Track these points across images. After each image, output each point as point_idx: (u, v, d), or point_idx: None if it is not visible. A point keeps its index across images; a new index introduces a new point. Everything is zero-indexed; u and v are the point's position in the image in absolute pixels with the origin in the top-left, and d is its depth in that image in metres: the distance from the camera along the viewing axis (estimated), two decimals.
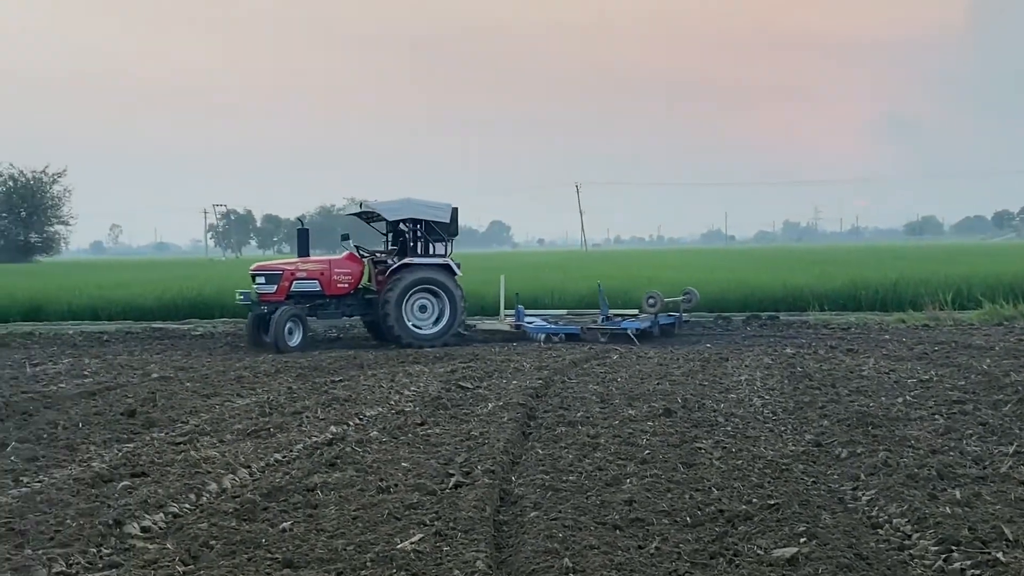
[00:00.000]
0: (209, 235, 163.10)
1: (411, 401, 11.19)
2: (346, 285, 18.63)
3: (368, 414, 10.38)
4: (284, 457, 8.37)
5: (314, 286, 18.36)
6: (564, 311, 21.79)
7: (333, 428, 9.57)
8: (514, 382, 12.48)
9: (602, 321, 19.27)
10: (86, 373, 14.64)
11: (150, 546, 6.00)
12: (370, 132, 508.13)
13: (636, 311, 19.88)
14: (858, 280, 25.37)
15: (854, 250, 70.30)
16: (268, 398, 11.58)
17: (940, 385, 11.68)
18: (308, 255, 19.07)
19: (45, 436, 9.46)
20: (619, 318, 19.41)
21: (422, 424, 9.76)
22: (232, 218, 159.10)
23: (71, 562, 5.68)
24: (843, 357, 14.95)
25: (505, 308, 20.58)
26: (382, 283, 18.59)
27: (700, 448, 8.35)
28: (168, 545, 5.97)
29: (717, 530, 6.04)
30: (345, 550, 5.75)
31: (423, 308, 18.51)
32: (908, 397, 10.83)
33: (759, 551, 5.63)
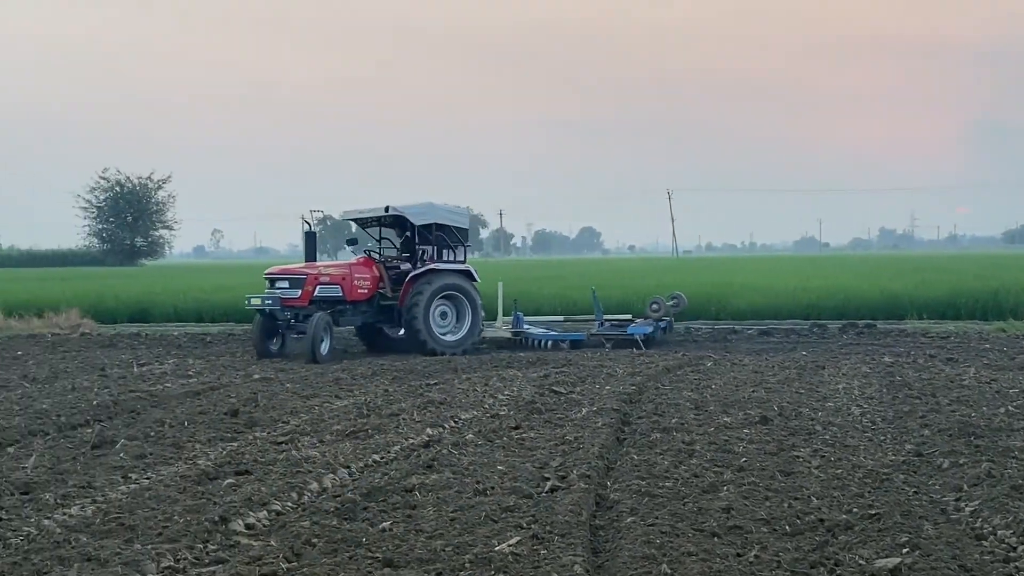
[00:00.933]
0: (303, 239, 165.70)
1: (505, 405, 11.25)
2: (365, 291, 18.18)
3: (463, 417, 10.48)
4: (382, 458, 8.49)
5: (336, 291, 17.80)
6: (561, 317, 21.80)
7: (429, 430, 9.68)
8: (607, 387, 12.47)
9: (598, 327, 19.44)
10: (191, 373, 15.05)
11: (254, 543, 6.14)
12: (461, 136, 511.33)
13: (629, 316, 20.30)
14: (957, 288, 24.77)
15: (952, 258, 68.70)
16: (365, 400, 11.76)
17: None
18: (315, 259, 18.85)
19: (152, 434, 9.75)
20: (608, 323, 19.70)
21: (517, 428, 9.81)
22: (328, 223, 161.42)
23: (179, 557, 5.83)
24: (943, 366, 14.61)
25: (504, 315, 20.40)
26: (399, 289, 18.25)
27: (798, 456, 8.26)
28: (272, 542, 6.10)
29: (817, 539, 5.98)
30: (444, 551, 5.83)
31: (443, 315, 18.27)
32: (1010, 407, 10.55)
33: (861, 561, 5.57)
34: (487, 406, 11.19)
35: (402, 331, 18.54)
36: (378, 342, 19.17)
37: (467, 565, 5.58)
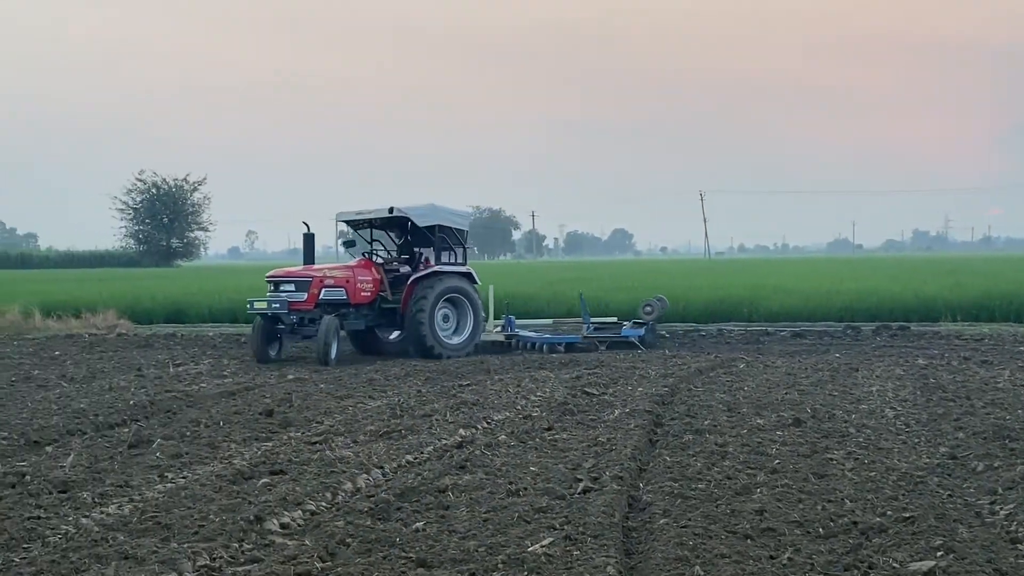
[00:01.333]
0: (339, 241, 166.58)
1: (538, 406, 11.27)
2: (368, 294, 17.95)
3: (496, 418, 10.50)
4: (415, 458, 8.54)
5: (341, 294, 17.59)
6: (550, 320, 21.88)
7: (462, 431, 9.72)
8: (640, 389, 12.47)
9: (587, 330, 19.62)
10: (225, 373, 15.19)
11: (289, 542, 6.17)
12: (494, 139, 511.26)
13: (615, 319, 20.58)
14: (992, 290, 24.53)
15: (986, 259, 68.05)
16: (398, 400, 11.82)
17: None
18: (314, 262, 18.69)
19: (188, 434, 9.84)
20: (592, 325, 19.88)
21: (549, 429, 9.82)
22: None
23: (214, 556, 5.87)
24: (977, 369, 14.50)
25: (495, 318, 20.27)
26: (399, 291, 18.05)
27: (831, 459, 8.23)
28: (306, 542, 6.14)
29: (851, 542, 5.96)
30: (477, 551, 5.85)
31: (445, 317, 18.08)
32: None
33: (895, 564, 5.54)
34: (520, 407, 11.22)
35: (396, 334, 18.48)
36: (370, 345, 18.94)
37: (500, 565, 5.60)
